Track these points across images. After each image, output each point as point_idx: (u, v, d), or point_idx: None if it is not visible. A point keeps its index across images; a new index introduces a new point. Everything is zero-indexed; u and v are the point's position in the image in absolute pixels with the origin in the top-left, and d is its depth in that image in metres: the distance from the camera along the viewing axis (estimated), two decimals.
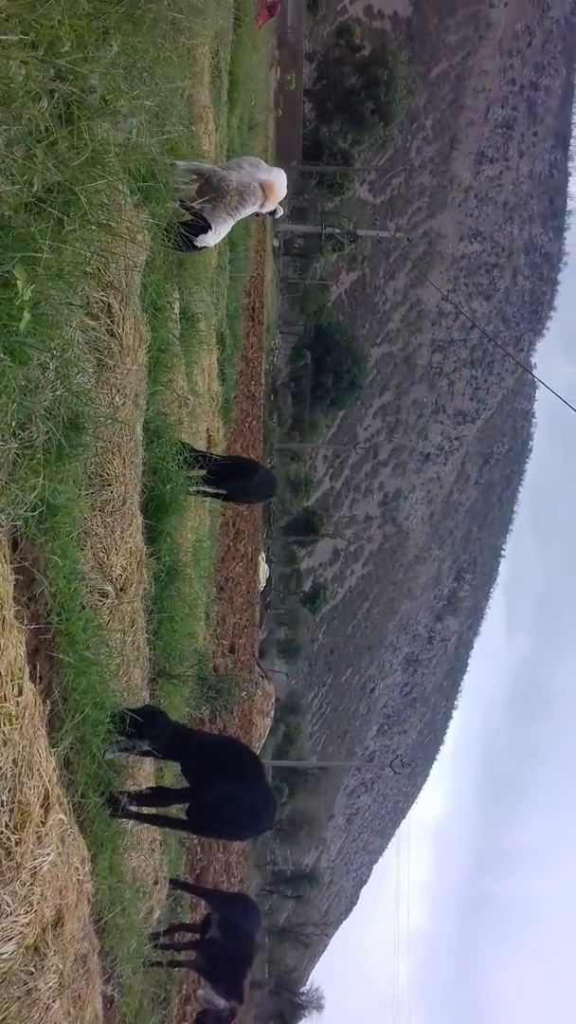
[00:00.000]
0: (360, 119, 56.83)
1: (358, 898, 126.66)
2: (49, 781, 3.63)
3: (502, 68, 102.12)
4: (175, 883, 7.70)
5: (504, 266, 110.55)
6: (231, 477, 8.65)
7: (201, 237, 6.15)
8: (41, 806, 3.50)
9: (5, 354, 2.71)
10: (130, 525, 5.52)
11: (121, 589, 5.32)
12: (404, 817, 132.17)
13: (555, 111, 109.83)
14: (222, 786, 5.59)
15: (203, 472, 8.20)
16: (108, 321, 4.77)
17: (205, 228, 6.10)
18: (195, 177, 6.49)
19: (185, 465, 7.54)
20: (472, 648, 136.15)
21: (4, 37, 2.42)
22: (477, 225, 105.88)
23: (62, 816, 3.85)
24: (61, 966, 3.89)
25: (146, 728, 5.23)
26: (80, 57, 3.23)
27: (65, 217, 3.07)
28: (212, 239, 6.32)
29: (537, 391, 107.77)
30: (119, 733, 5.03)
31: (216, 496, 9.22)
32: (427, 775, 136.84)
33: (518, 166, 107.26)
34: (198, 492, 8.53)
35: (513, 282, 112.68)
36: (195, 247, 6.24)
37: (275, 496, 11.44)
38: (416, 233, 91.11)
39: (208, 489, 8.71)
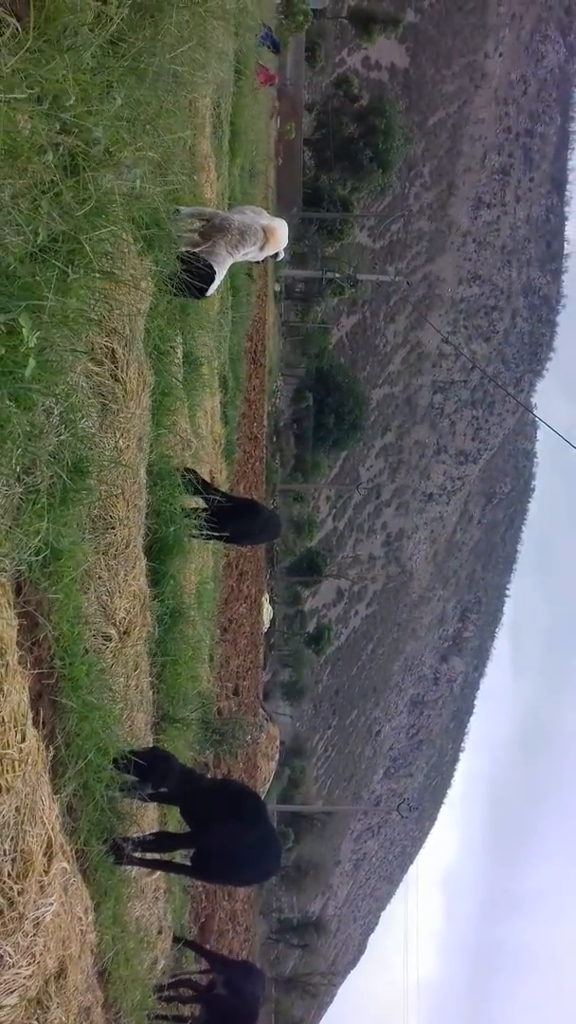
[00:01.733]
0: (359, 167, 57.90)
1: (366, 946, 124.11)
2: (52, 829, 3.59)
3: (498, 116, 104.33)
4: (180, 941, 7.53)
5: (503, 308, 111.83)
6: (234, 519, 8.42)
7: (209, 277, 6.25)
8: (44, 855, 3.46)
9: (11, 400, 2.74)
10: (134, 568, 5.52)
11: (125, 632, 5.30)
12: (412, 862, 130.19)
13: (551, 157, 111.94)
14: (224, 828, 5.52)
15: (206, 509, 7.98)
16: (112, 366, 4.82)
17: (211, 276, 6.19)
18: (199, 221, 6.61)
19: (189, 491, 7.40)
20: (478, 689, 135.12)
21: (13, 96, 2.48)
22: (476, 269, 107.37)
23: (65, 864, 3.80)
24: (64, 1019, 3.81)
25: (152, 772, 5.17)
26: (85, 110, 3.31)
27: (70, 266, 3.12)
28: (216, 281, 6.42)
29: (538, 431, 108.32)
30: (125, 774, 4.98)
31: (219, 539, 8.90)
32: (435, 819, 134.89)
33: (515, 211, 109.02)
34: (201, 535, 8.23)
35: (512, 324, 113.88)
36: (202, 295, 6.33)
37: (279, 537, 10.71)
38: (415, 277, 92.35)
39: (210, 532, 8.43)
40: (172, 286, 5.78)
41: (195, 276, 6.03)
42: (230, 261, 6.61)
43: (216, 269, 6.28)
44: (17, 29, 2.92)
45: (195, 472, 7.82)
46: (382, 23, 62.60)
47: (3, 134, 2.52)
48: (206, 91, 9.01)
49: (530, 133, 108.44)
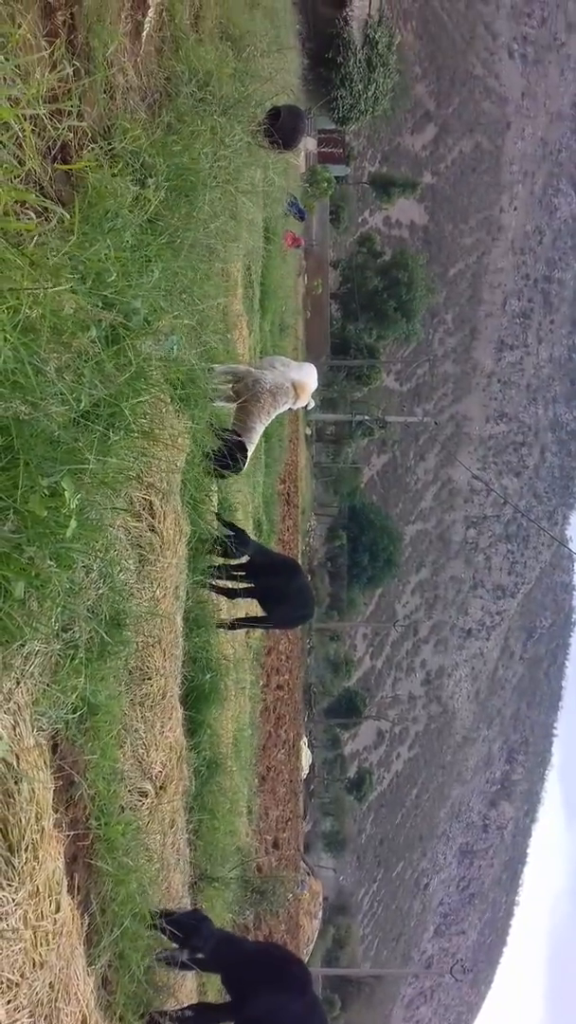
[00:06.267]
0: (384, 316, 60.42)
1: None
2: (87, 1006, 3.40)
3: (516, 265, 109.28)
4: None
5: (532, 444, 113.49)
6: (266, 574, 7.36)
7: (241, 458, 6.50)
8: None
9: (52, 560, 2.80)
10: (170, 719, 5.45)
11: (161, 787, 5.18)
12: None
13: (570, 300, 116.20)
14: (267, 999, 5.19)
15: (235, 562, 7.01)
16: (150, 518, 4.93)
17: (244, 449, 6.46)
18: (231, 378, 6.92)
19: (216, 548, 6.70)
20: (530, 836, 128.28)
21: (60, 285, 2.67)
22: (502, 407, 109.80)
23: None
24: None
25: (190, 938, 4.92)
26: (125, 284, 3.53)
27: (111, 428, 3.25)
28: (249, 454, 6.71)
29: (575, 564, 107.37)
30: (163, 934, 4.75)
31: (236, 593, 7.56)
32: (491, 981, 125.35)
33: (537, 351, 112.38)
34: (212, 587, 7.13)
35: (542, 459, 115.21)
36: (238, 469, 6.60)
37: (312, 616, 9.50)
38: (443, 417, 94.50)
39: (230, 584, 7.35)
40: (207, 463, 6.07)
41: (229, 452, 6.33)
42: (262, 430, 6.89)
43: (249, 446, 6.56)
44: (63, 217, 3.16)
45: (220, 516, 7.26)
46: (401, 186, 66.78)
47: (49, 314, 2.69)
48: (237, 257, 9.59)
49: (548, 279, 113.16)
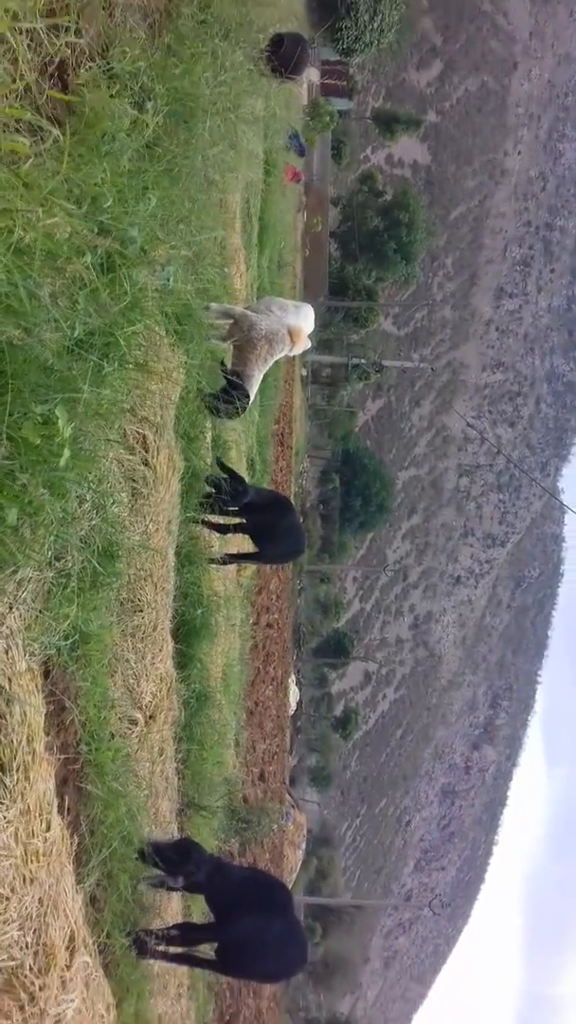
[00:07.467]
0: (383, 258, 59.51)
1: None
2: (75, 922, 3.51)
3: (518, 211, 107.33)
4: None
5: (527, 394, 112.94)
6: (258, 510, 7.30)
7: (244, 404, 6.58)
8: (66, 948, 3.38)
9: (45, 488, 2.81)
10: (161, 651, 5.52)
11: (151, 716, 5.28)
12: (444, 962, 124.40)
13: (571, 249, 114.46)
14: (250, 920, 5.37)
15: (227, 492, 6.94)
16: (143, 452, 4.93)
17: (246, 393, 6.48)
18: (227, 320, 6.86)
19: (211, 489, 6.75)
20: (512, 780, 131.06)
21: (65, 204, 2.63)
22: (499, 356, 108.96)
23: (87, 959, 3.71)
24: None
25: (182, 864, 5.06)
26: (121, 211, 3.47)
27: (105, 359, 3.23)
28: (250, 400, 6.73)
29: (566, 515, 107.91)
30: (152, 867, 4.89)
31: (228, 529, 7.53)
32: (468, 916, 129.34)
33: (537, 300, 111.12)
34: (204, 523, 7.12)
35: (537, 410, 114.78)
36: (242, 408, 6.62)
37: (303, 553, 9.52)
38: (440, 363, 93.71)
39: (220, 520, 7.30)
40: (208, 406, 6.08)
41: (230, 390, 6.34)
42: (260, 377, 6.87)
43: (251, 393, 6.59)
44: (58, 137, 3.09)
45: (219, 459, 7.25)
46: (404, 123, 65.19)
47: (43, 237, 2.65)
48: (236, 189, 9.41)
49: (550, 227, 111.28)
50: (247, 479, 7.72)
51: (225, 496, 6.87)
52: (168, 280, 4.03)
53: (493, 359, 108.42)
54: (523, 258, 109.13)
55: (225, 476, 6.94)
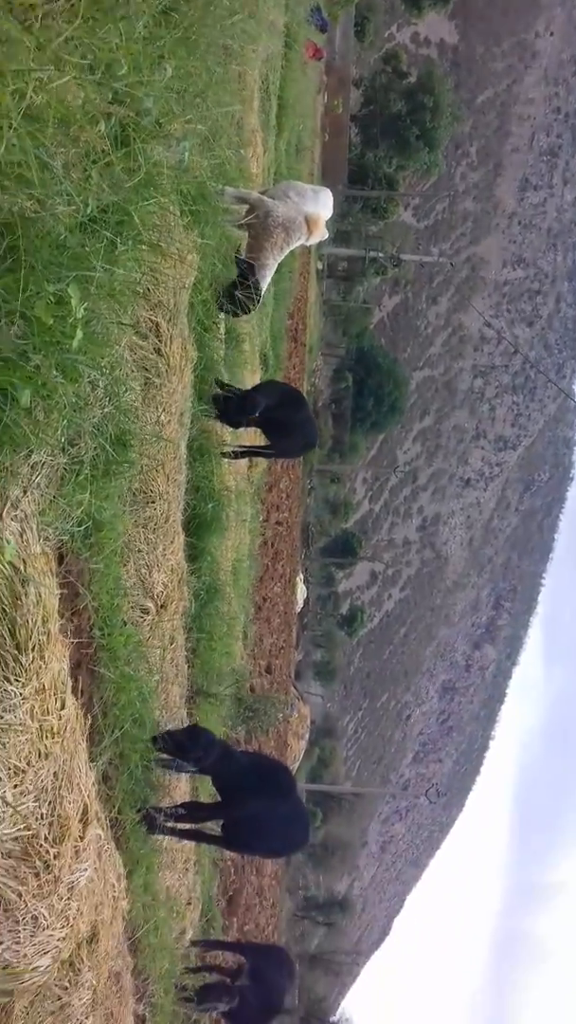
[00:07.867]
0: (405, 144, 57.19)
1: (391, 928, 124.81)
2: (88, 796, 3.64)
3: (547, 96, 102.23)
4: (205, 943, 7.37)
5: (547, 293, 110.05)
6: (272, 405, 7.26)
7: (256, 294, 6.40)
8: (80, 821, 3.51)
9: (57, 371, 2.75)
10: (172, 543, 5.55)
11: (162, 606, 5.35)
12: (438, 848, 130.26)
13: None
14: (255, 800, 5.59)
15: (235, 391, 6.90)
16: (156, 340, 4.83)
17: (258, 287, 6.28)
18: (241, 205, 6.61)
19: (213, 406, 6.72)
20: (510, 678, 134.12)
21: (69, 58, 2.48)
22: (521, 251, 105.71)
23: (99, 831, 3.86)
24: (95, 983, 3.88)
25: (192, 749, 5.22)
26: (136, 80, 3.29)
27: (118, 237, 3.12)
28: (262, 293, 6.51)
29: None
30: (163, 752, 5.05)
31: (241, 423, 7.43)
32: (463, 806, 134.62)
33: (562, 193, 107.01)
34: (217, 416, 6.96)
35: (556, 309, 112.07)
36: (254, 302, 6.44)
37: (315, 447, 9.67)
38: (459, 259, 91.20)
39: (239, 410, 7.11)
40: (218, 304, 5.90)
41: (242, 281, 6.15)
42: (275, 266, 6.64)
43: (262, 283, 6.37)
44: None
45: (220, 381, 7.13)
46: None
47: (56, 103, 2.51)
48: (255, 63, 8.95)
49: None
50: (261, 374, 7.61)
51: (232, 414, 6.78)
52: (184, 156, 3.85)
53: (514, 255, 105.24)
54: (550, 147, 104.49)
55: (228, 395, 6.80)
